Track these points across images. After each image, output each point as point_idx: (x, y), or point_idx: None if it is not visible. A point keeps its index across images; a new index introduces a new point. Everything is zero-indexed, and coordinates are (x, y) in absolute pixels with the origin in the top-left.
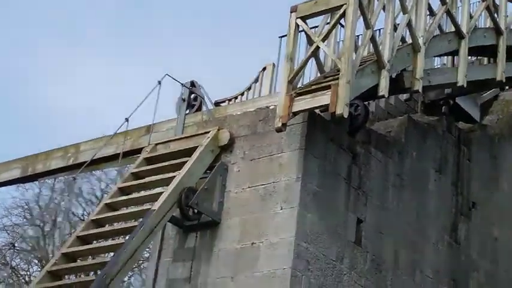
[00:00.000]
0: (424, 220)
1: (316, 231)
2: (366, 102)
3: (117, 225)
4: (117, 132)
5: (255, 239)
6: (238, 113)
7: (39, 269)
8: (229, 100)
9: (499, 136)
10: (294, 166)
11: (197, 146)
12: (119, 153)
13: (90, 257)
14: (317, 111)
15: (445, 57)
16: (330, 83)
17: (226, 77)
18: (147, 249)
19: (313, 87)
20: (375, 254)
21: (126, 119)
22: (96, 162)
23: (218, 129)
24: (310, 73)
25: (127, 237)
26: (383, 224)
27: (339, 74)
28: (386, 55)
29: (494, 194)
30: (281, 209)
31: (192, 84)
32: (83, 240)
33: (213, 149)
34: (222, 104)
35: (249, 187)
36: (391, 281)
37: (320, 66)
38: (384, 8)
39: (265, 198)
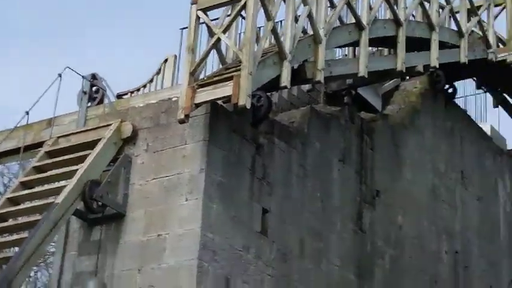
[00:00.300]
0: (328, 209)
1: (222, 222)
2: (269, 93)
3: (20, 220)
4: (18, 125)
5: (161, 230)
6: (141, 105)
7: None
8: (132, 92)
9: (400, 125)
10: (198, 157)
11: (100, 139)
12: (20, 147)
13: None
14: (220, 102)
15: (347, 48)
16: (231, 74)
17: (131, 69)
18: (52, 244)
19: (215, 78)
20: (281, 244)
21: (26, 112)
22: None
23: (121, 122)
24: (213, 65)
25: (30, 232)
26: (288, 213)
27: (240, 66)
28: (287, 46)
29: (397, 182)
30: (186, 201)
31: (94, 76)
32: None
33: (116, 142)
34: (124, 97)
35: (153, 179)
36: (297, 269)
37: (222, 57)
38: (284, 0)
39: (169, 190)
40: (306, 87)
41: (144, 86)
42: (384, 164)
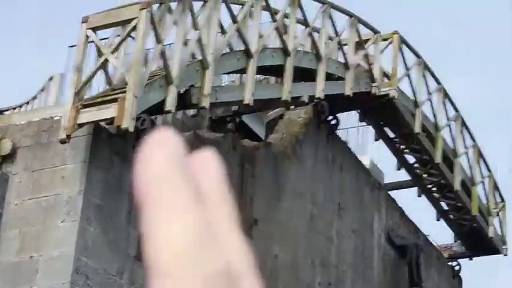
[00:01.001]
0: None
1: (98, 246)
2: (153, 117)
3: None
4: None
5: (34, 252)
6: (22, 122)
7: None
8: (14, 109)
9: (282, 154)
10: (77, 179)
11: None
12: None
13: None
14: (103, 124)
15: (235, 74)
16: (116, 96)
17: (15, 85)
18: None
19: (100, 99)
20: None
21: None
22: None
23: (0, 139)
24: (100, 85)
25: None
26: None
27: (126, 88)
28: (174, 70)
29: (275, 212)
30: (62, 222)
31: None
32: None
33: None
34: (5, 113)
35: (30, 199)
36: None
37: (108, 78)
38: (176, 23)
39: (47, 211)
40: (191, 112)
41: (27, 103)
42: (264, 192)
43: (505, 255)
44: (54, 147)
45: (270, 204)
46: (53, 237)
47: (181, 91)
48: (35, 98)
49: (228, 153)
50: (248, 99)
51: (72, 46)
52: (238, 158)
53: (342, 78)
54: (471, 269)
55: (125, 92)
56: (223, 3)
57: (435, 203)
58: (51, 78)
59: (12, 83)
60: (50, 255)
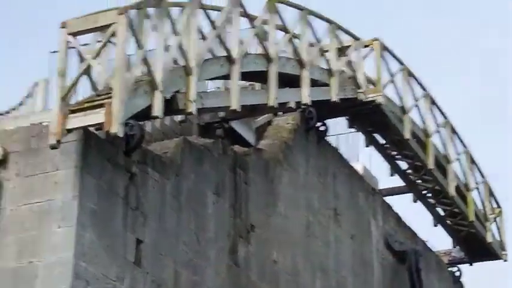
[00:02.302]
0: (203, 242)
1: (95, 251)
2: (142, 122)
3: None
4: None
5: (33, 257)
6: (12, 127)
7: None
8: (1, 114)
9: (274, 160)
10: (70, 184)
11: None
12: None
13: None
14: (92, 129)
15: (220, 81)
16: (103, 101)
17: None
18: None
19: (86, 104)
20: (155, 275)
21: None
22: None
23: None
24: (85, 90)
25: None
26: (163, 245)
27: (111, 93)
28: (158, 76)
29: (272, 218)
30: (58, 228)
31: None
32: None
33: None
34: None
35: (24, 204)
36: None
37: (93, 84)
38: (155, 29)
39: (42, 217)
40: (178, 118)
41: (14, 109)
42: (259, 198)
43: (505, 260)
44: (45, 153)
45: (265, 210)
46: (50, 242)
47: (168, 97)
48: (21, 103)
49: (218, 159)
50: (235, 105)
51: (53, 52)
52: (230, 164)
53: (327, 85)
54: (476, 274)
55: (110, 97)
56: (201, 9)
57: (431, 208)
58: (36, 84)
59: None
60: (48, 261)
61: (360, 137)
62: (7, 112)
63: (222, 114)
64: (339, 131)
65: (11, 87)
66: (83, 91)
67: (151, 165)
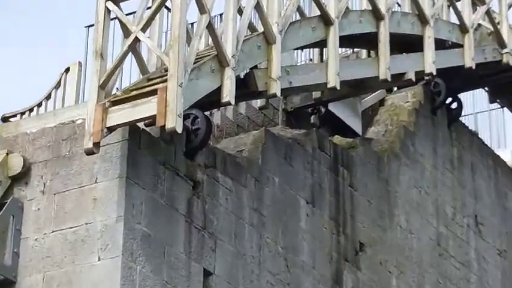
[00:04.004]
0: (295, 270)
1: None
2: (208, 113)
3: None
4: None
5: None
6: (34, 130)
7: None
8: (22, 114)
9: (388, 153)
10: (113, 200)
11: None
12: None
13: None
14: (141, 125)
15: (311, 50)
16: (155, 86)
17: (22, 84)
18: None
19: (134, 92)
20: None
21: None
22: None
23: (7, 153)
24: (131, 75)
25: None
26: (239, 276)
27: (167, 75)
28: (229, 48)
29: (388, 232)
30: (99, 260)
31: None
32: None
33: (1, 181)
34: (11, 119)
35: (53, 231)
36: None
37: (142, 65)
38: None
39: (76, 246)
40: (258, 103)
41: (39, 105)
42: (368, 206)
43: None
44: (80, 161)
45: (379, 222)
46: (89, 280)
47: (242, 75)
48: (48, 97)
49: (313, 156)
50: (333, 81)
51: (89, 26)
52: (329, 162)
53: (458, 46)
54: None
55: (166, 80)
56: None
57: None
58: (67, 70)
59: (18, 84)
60: None
61: (507, 115)
62: (30, 110)
63: (316, 94)
64: (477, 109)
65: (35, 77)
66: (129, 75)
67: (222, 169)
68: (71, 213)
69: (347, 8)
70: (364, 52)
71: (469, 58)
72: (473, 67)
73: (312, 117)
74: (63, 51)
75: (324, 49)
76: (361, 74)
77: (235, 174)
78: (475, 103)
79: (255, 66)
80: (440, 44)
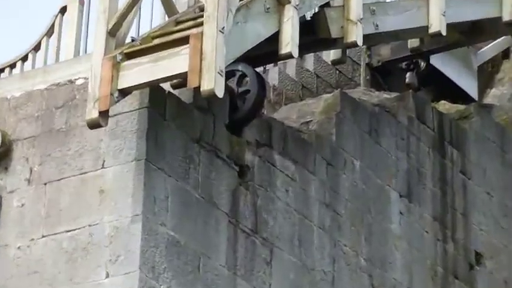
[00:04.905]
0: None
1: None
2: (260, 69)
3: None
4: None
5: None
6: (17, 94)
7: None
8: (1, 71)
9: None
10: (128, 193)
11: None
12: None
13: None
14: (166, 86)
15: None
16: (187, 32)
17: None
18: None
19: (157, 41)
20: None
21: None
22: None
23: None
24: (152, 16)
25: None
26: None
27: (202, 17)
28: None
29: None
30: (107, 277)
31: None
32: None
33: None
34: None
35: (43, 236)
36: None
37: (168, 2)
38: None
39: (75, 258)
40: (330, 55)
41: (24, 59)
42: (490, 201)
43: None
44: (80, 137)
45: (502, 223)
46: None
47: (307, 17)
48: (37, 48)
49: (409, 130)
50: (437, 24)
51: None
52: (432, 138)
53: None
54: None
55: (201, 24)
56: None
57: None
58: (62, 11)
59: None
60: None
61: None
62: (10, 67)
63: (414, 43)
64: None
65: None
66: (149, 17)
67: (281, 148)
68: (68, 210)
69: None
70: None
71: None
72: None
73: (408, 74)
74: None
75: None
76: (478, 14)
77: (299, 156)
78: None
79: (327, 4)
80: None
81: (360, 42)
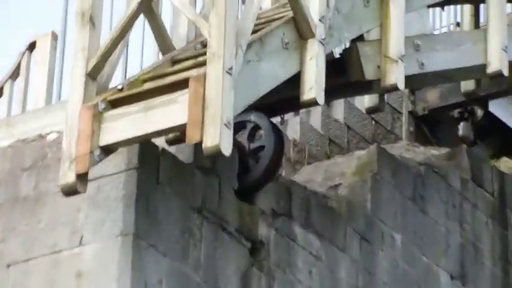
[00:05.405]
0: None
1: None
2: (278, 120)
3: None
4: None
5: None
6: None
7: None
8: None
9: None
10: (112, 277)
11: None
12: None
13: None
14: (160, 142)
15: (457, 7)
16: (185, 74)
17: None
18: None
19: (148, 85)
20: None
21: None
22: None
23: None
24: (143, 55)
25: None
26: None
27: (205, 54)
28: (315, 7)
29: None
30: None
31: None
32: None
33: None
34: None
35: None
36: None
37: (162, 35)
38: None
39: None
40: (365, 103)
41: None
42: None
43: None
44: (53, 206)
45: None
46: None
47: (336, 53)
48: None
49: (463, 196)
50: (497, 61)
51: None
52: (492, 205)
53: None
54: None
55: (204, 63)
56: None
57: None
58: (31, 47)
59: None
60: None
61: None
62: None
63: (468, 86)
64: None
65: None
66: (139, 55)
67: (303, 219)
68: None
69: None
70: None
71: None
72: None
73: (461, 125)
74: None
75: (481, 6)
76: None
77: (325, 229)
78: None
79: (360, 37)
80: None
81: (401, 85)
